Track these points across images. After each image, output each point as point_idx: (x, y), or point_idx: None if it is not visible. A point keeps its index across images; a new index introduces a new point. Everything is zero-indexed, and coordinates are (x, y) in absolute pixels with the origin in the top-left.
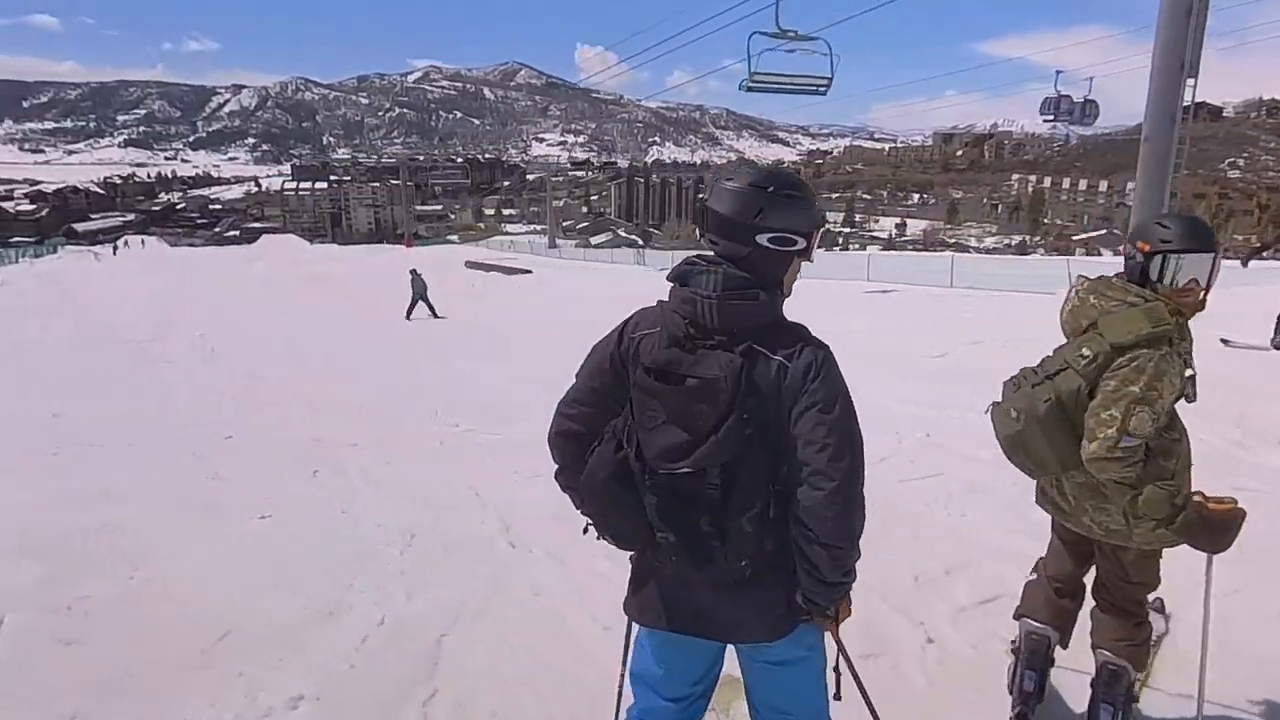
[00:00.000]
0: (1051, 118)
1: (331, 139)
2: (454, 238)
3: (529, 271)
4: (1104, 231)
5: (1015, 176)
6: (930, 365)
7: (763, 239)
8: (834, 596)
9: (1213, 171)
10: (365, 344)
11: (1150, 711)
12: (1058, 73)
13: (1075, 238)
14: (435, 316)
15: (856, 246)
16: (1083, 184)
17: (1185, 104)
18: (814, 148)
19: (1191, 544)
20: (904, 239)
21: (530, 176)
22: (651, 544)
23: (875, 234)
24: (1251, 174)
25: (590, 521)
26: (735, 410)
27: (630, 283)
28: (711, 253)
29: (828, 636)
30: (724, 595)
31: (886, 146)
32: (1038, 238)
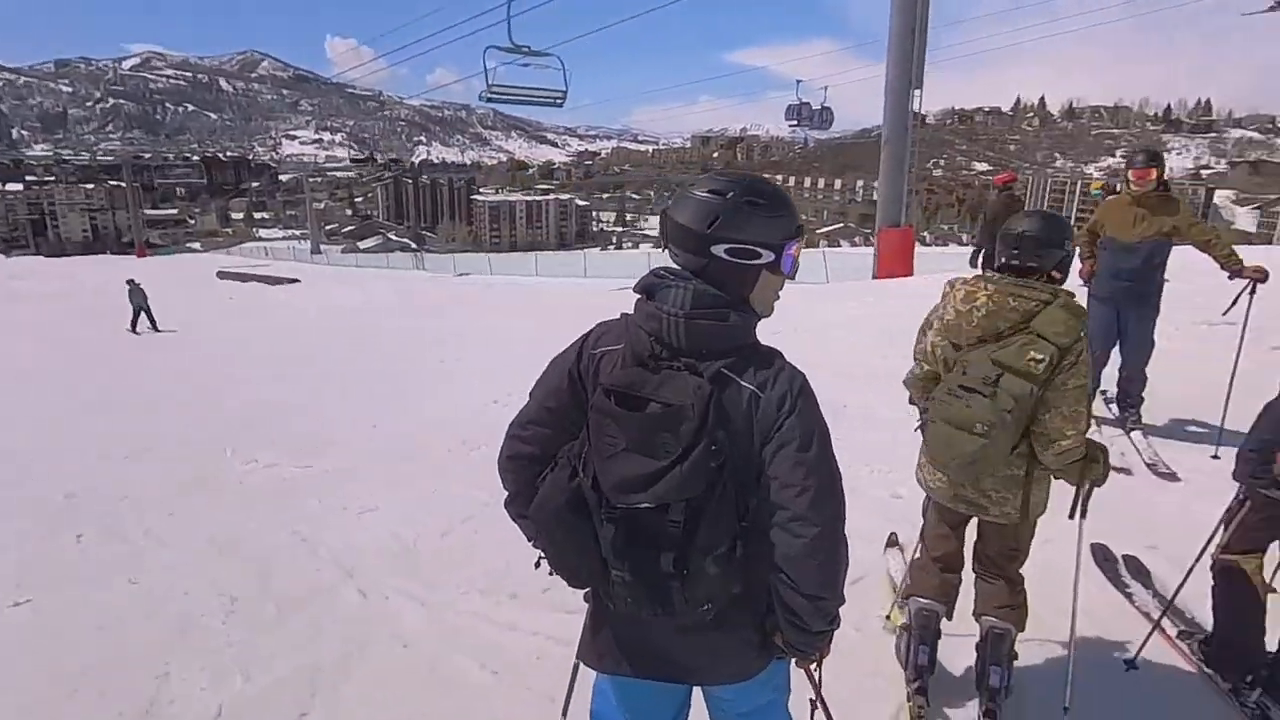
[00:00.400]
0: (795, 122)
1: (25, 133)
2: (196, 245)
3: (296, 280)
4: (841, 225)
5: (765, 176)
6: None
7: (719, 250)
8: (819, 644)
9: (921, 170)
10: (112, 371)
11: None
12: (798, 82)
13: (819, 231)
14: (156, 330)
15: (630, 245)
16: (820, 183)
17: (915, 112)
18: (583, 149)
19: (1097, 485)
20: None
21: (284, 177)
22: (604, 582)
23: (647, 232)
24: (950, 173)
25: (541, 555)
26: (703, 441)
27: (416, 290)
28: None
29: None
30: (686, 638)
31: (650, 148)
32: None
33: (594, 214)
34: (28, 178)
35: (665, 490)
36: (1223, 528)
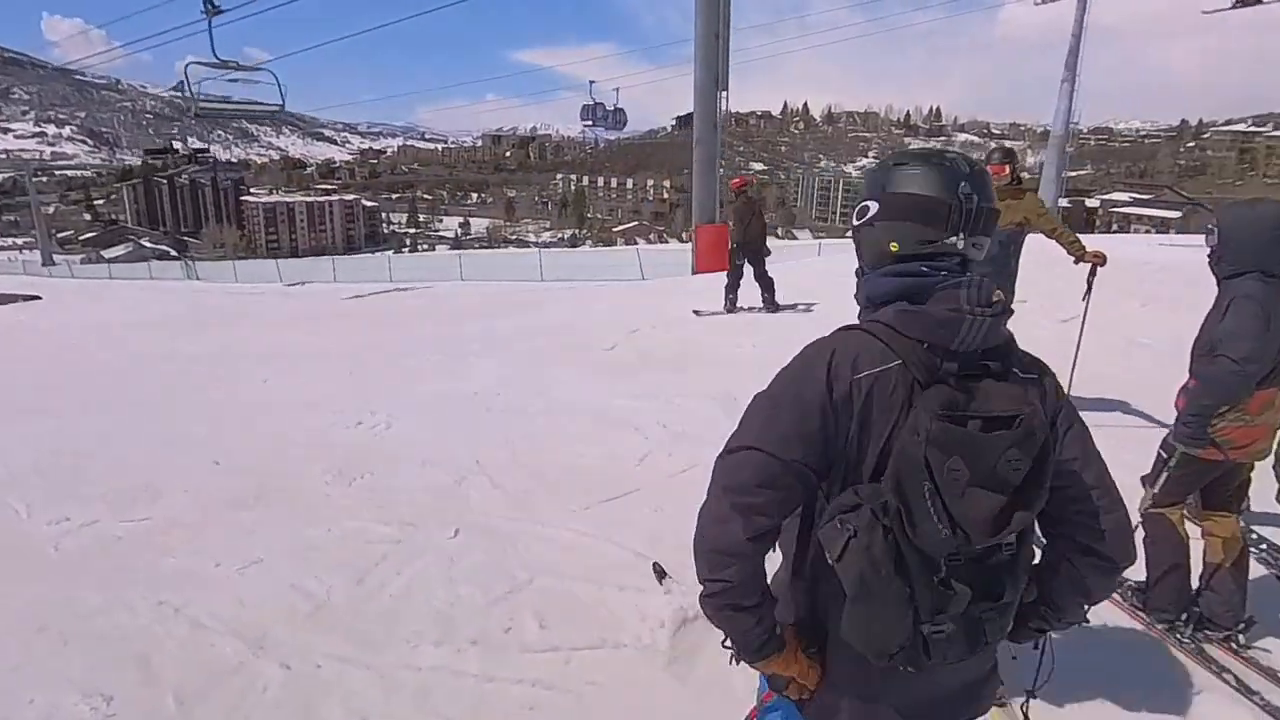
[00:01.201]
0: (590, 122)
1: None
2: None
3: (36, 297)
4: (636, 223)
5: (559, 175)
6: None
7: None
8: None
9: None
10: None
11: None
12: (591, 82)
13: (616, 229)
14: None
15: (426, 247)
16: (614, 182)
17: (724, 112)
18: (365, 146)
19: None
20: (469, 237)
21: None
22: (914, 639)
23: (442, 233)
24: (730, 173)
25: (728, 647)
26: (1051, 449)
27: (202, 304)
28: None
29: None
30: (967, 674)
31: (439, 146)
32: (585, 230)
33: (384, 215)
34: None
35: (1027, 515)
36: (1148, 485)
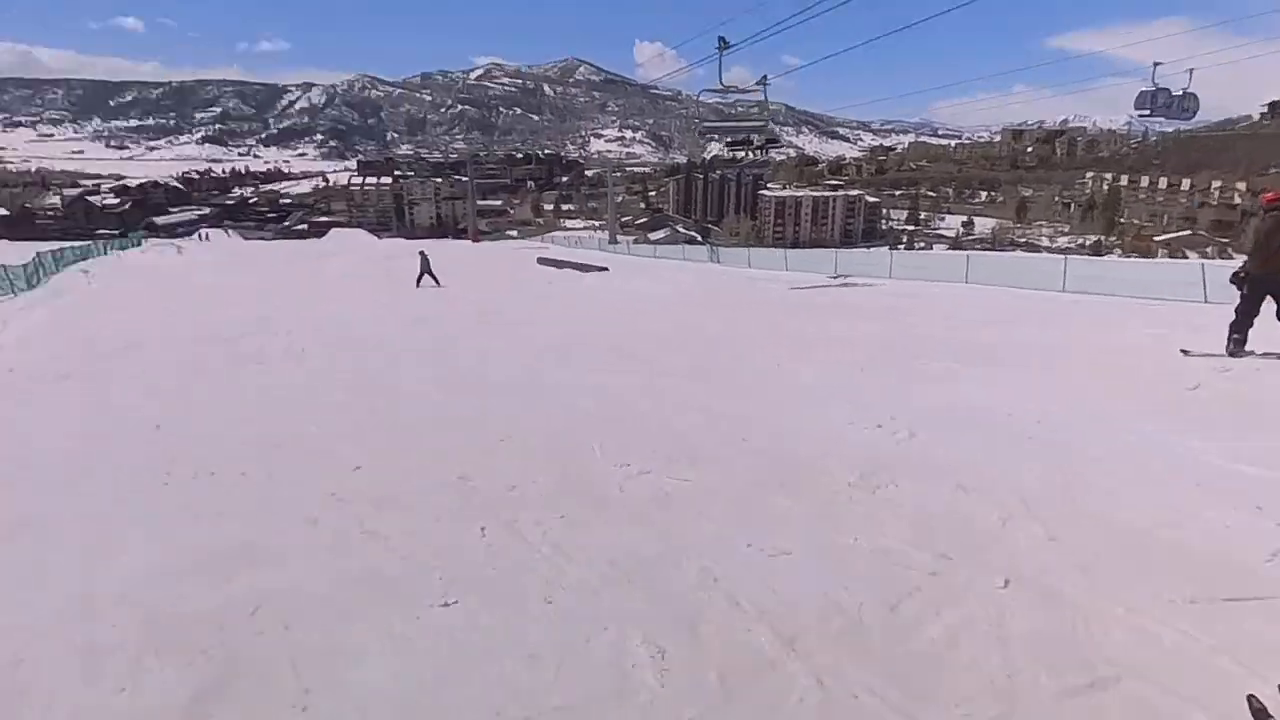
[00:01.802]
0: (1148, 111)
1: (395, 135)
2: (514, 233)
3: (605, 269)
4: (1188, 232)
5: (1089, 174)
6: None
7: None
8: None
9: None
10: (482, 347)
11: None
12: (1155, 64)
13: (1156, 238)
14: (437, 284)
15: (922, 245)
16: (1163, 182)
17: None
18: (876, 144)
19: None
20: (970, 238)
21: (589, 172)
22: None
23: (941, 232)
24: None
25: None
26: None
27: (725, 286)
28: None
29: None
30: None
31: (951, 143)
32: (1114, 238)
33: (884, 211)
34: (395, 172)
35: None
36: None
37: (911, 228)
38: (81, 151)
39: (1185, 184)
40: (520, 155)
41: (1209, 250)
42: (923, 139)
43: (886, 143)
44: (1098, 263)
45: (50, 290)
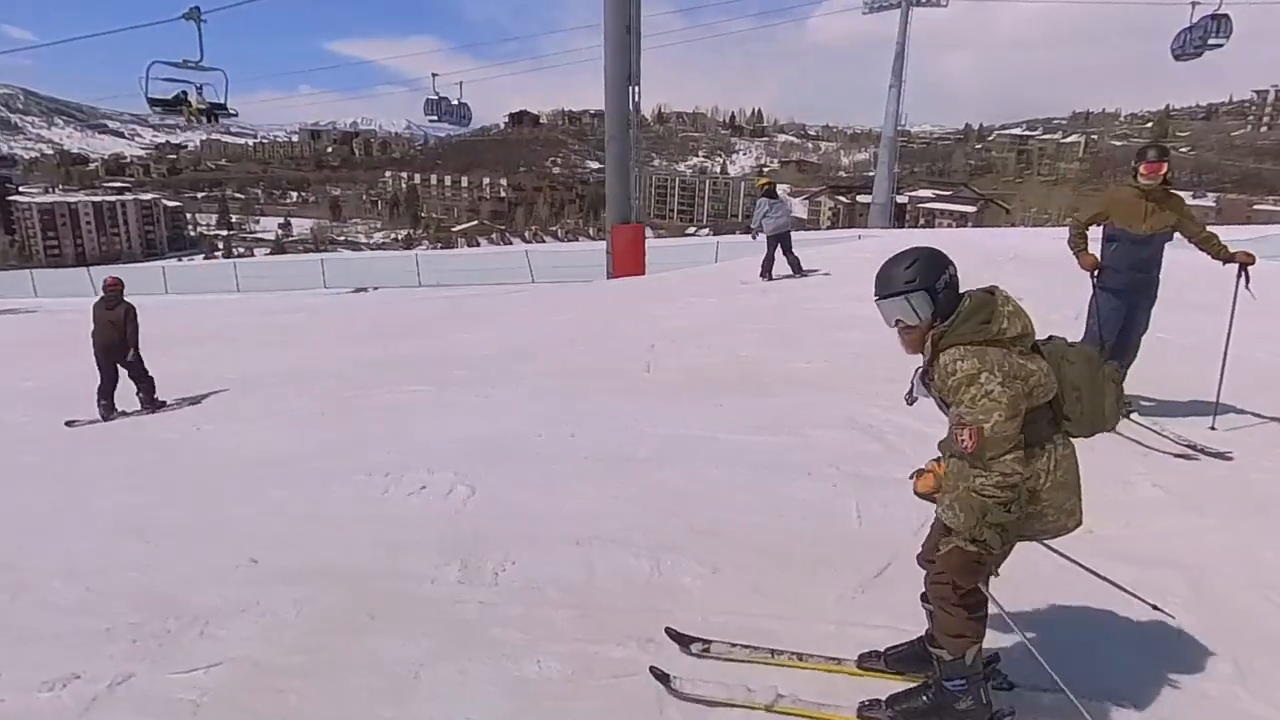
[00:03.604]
0: (435, 117)
1: None
2: None
3: None
4: (476, 223)
5: (388, 173)
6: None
7: None
8: None
9: (541, 169)
10: None
11: None
12: (434, 75)
13: (454, 229)
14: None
15: (242, 251)
16: (447, 180)
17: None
18: (161, 140)
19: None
20: (292, 239)
21: None
22: None
23: (260, 235)
24: (567, 169)
25: None
26: None
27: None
28: None
29: None
30: None
31: (249, 142)
32: (421, 230)
33: (189, 216)
34: None
35: None
36: None
37: (225, 232)
38: None
39: (464, 181)
40: None
41: (494, 237)
42: (216, 137)
43: (174, 139)
44: (450, 255)
45: None
